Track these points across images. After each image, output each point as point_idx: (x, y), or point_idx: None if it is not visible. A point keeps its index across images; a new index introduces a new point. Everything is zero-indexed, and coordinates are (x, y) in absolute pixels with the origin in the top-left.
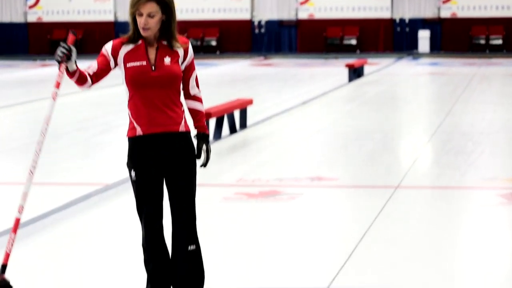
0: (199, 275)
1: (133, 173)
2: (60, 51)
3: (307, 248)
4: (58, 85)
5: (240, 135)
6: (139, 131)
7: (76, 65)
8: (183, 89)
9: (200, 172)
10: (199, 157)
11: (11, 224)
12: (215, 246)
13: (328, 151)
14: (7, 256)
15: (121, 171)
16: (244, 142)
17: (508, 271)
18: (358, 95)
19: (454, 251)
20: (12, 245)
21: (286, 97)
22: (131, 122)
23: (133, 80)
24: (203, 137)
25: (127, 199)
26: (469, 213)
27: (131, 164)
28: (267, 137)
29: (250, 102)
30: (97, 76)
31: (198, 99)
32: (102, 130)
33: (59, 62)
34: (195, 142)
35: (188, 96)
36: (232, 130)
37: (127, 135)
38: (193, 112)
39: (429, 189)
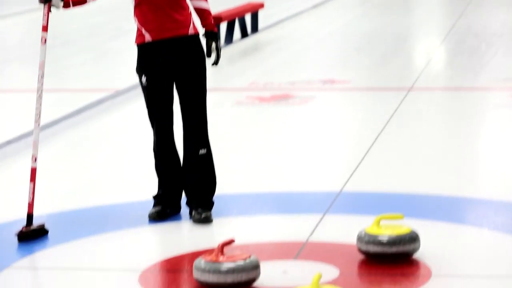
0: (211, 179)
1: (143, 79)
2: None
3: (320, 152)
4: (45, 28)
5: (252, 39)
6: (147, 38)
7: None
8: None
9: (211, 76)
10: (209, 55)
11: (27, 129)
12: (227, 150)
13: (340, 53)
14: (31, 205)
15: (132, 77)
16: (255, 46)
17: None
18: None
19: (468, 152)
20: (33, 194)
21: (298, 0)
22: (138, 29)
23: None
24: (211, 35)
25: (139, 104)
26: (483, 114)
27: (141, 70)
28: (278, 40)
29: (261, 5)
30: None
31: None
32: (113, 35)
33: (44, 3)
34: (204, 42)
35: None
36: (244, 34)
37: (135, 42)
38: (199, 12)
39: (442, 91)
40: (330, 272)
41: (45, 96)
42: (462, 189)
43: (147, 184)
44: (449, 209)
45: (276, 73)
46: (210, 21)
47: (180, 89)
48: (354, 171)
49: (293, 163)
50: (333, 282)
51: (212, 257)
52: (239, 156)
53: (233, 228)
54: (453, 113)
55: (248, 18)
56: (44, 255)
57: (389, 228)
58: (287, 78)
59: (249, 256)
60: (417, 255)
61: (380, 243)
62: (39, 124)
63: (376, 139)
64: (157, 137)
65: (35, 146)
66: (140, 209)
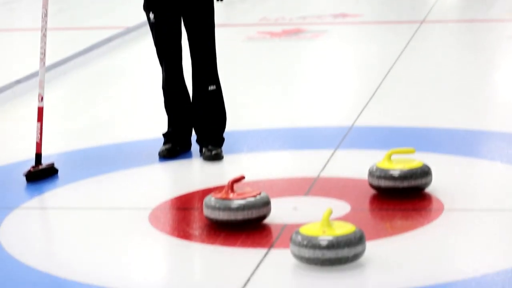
0: (221, 116)
1: (151, 16)
2: None
3: (331, 86)
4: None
5: None
6: None
7: None
8: None
9: (222, 12)
10: None
11: (36, 68)
12: (238, 86)
13: None
14: (39, 145)
15: (142, 14)
16: None
17: None
18: None
19: (481, 85)
20: (41, 133)
21: None
22: None
23: None
24: None
25: (149, 42)
26: (496, 45)
27: (148, 7)
28: None
29: None
30: None
31: None
32: None
33: None
34: None
35: None
36: None
37: None
38: None
39: (455, 23)
40: (341, 207)
41: (56, 34)
42: (475, 122)
43: (157, 122)
44: (461, 142)
45: (287, 8)
46: None
47: (188, 25)
48: (366, 105)
49: (304, 98)
50: (344, 217)
51: (222, 194)
52: (250, 92)
53: (243, 164)
54: (466, 46)
55: None
56: (53, 195)
57: (400, 162)
58: (298, 12)
59: (260, 193)
60: (429, 189)
61: (391, 177)
62: (44, 63)
63: (388, 72)
64: (166, 74)
65: (41, 85)
66: (150, 147)
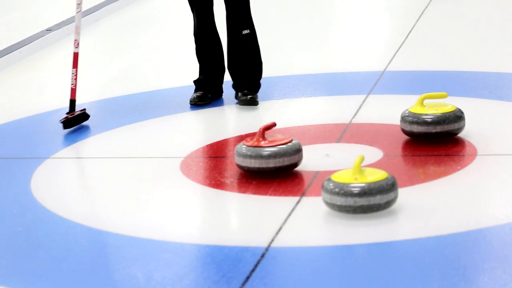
0: (257, 61)
1: None
2: None
3: (363, 31)
4: None
5: None
6: None
7: None
8: None
9: None
10: None
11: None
12: (273, 32)
13: None
14: (73, 91)
15: None
16: None
17: None
18: None
19: None
20: (76, 79)
21: None
22: None
23: None
24: None
25: None
26: None
27: None
28: None
29: None
30: None
31: None
32: None
33: None
34: None
35: None
36: None
37: None
38: None
39: None
40: (374, 154)
41: None
42: (509, 65)
43: (189, 70)
44: (494, 85)
45: None
46: None
47: None
48: (398, 50)
49: (336, 44)
50: (377, 164)
51: (253, 142)
52: (281, 37)
53: (274, 111)
54: None
55: None
56: (84, 144)
57: (433, 107)
58: None
59: (291, 140)
60: (462, 134)
61: (424, 122)
62: (80, 10)
63: (420, 16)
64: (197, 21)
65: (77, 31)
66: (181, 95)
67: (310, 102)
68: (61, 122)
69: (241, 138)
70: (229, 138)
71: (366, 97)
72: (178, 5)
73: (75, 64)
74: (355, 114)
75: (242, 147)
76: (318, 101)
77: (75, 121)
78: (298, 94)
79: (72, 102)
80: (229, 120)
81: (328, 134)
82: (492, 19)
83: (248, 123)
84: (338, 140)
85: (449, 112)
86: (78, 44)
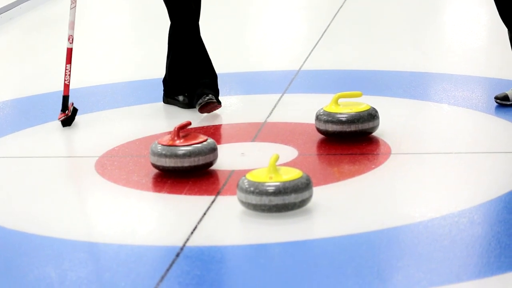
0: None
1: None
2: None
3: (278, 30)
4: None
5: None
6: None
7: None
8: None
9: None
10: None
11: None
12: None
13: None
14: (67, 87)
15: None
16: None
17: (483, 42)
18: None
19: (428, 26)
20: (69, 76)
21: None
22: None
23: None
24: None
25: None
26: None
27: None
28: None
29: None
30: None
31: None
32: None
33: None
34: None
35: None
36: None
37: None
38: None
39: None
40: (289, 153)
41: None
42: (422, 64)
43: (95, 70)
44: (408, 84)
45: None
46: None
47: None
48: (313, 48)
49: (252, 42)
50: (292, 163)
51: (168, 140)
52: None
53: (191, 111)
54: None
55: None
56: None
57: (347, 106)
58: None
59: (206, 139)
60: (376, 133)
61: (338, 121)
62: (75, 6)
63: (335, 15)
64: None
65: (71, 26)
66: (93, 95)
67: (225, 101)
68: (60, 121)
69: (155, 137)
70: (144, 137)
71: (281, 96)
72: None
73: (68, 60)
74: (270, 113)
75: (157, 146)
76: (234, 100)
77: (72, 117)
78: None
79: (65, 98)
80: (144, 120)
81: (243, 133)
82: (406, 19)
83: (164, 123)
84: (254, 139)
85: (363, 111)
86: (72, 39)
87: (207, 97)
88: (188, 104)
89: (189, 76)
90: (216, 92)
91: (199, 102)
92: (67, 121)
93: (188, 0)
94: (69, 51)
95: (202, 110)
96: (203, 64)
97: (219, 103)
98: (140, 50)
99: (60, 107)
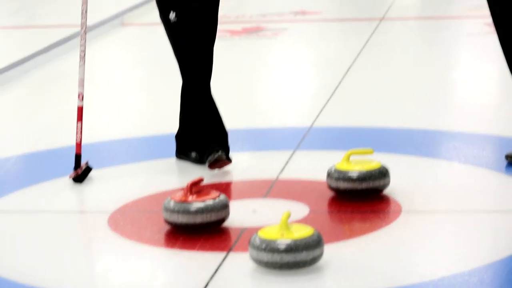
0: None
1: (172, 15)
2: None
3: (291, 86)
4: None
5: None
6: None
7: None
8: None
9: None
10: None
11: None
12: None
13: None
14: (78, 146)
15: (105, 11)
16: None
17: (493, 99)
18: None
19: (440, 83)
20: (81, 133)
21: None
22: None
23: None
24: None
25: (111, 39)
26: (456, 43)
27: (167, 6)
28: None
29: None
30: None
31: None
32: None
33: None
34: None
35: None
36: None
37: None
38: None
39: (415, 20)
40: (300, 210)
41: (17, 33)
42: (433, 121)
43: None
44: (419, 142)
45: (247, 5)
46: None
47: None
48: (325, 105)
49: (264, 98)
50: (303, 220)
51: (181, 197)
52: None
53: (202, 166)
54: (426, 43)
55: None
56: (14, 197)
57: (359, 163)
58: (258, 10)
59: (219, 196)
60: (387, 191)
61: (350, 179)
62: (84, 61)
63: (347, 71)
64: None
65: (81, 83)
66: (106, 150)
67: (237, 157)
68: (72, 179)
69: (169, 193)
70: (158, 193)
71: (293, 153)
72: (112, 52)
73: (79, 118)
74: (282, 170)
75: (170, 202)
76: (245, 156)
77: (84, 175)
78: None
79: (78, 157)
80: (156, 175)
81: (255, 189)
82: (417, 75)
83: (176, 179)
84: (265, 195)
85: (374, 169)
86: (82, 97)
87: (217, 154)
88: (199, 160)
89: (200, 133)
90: (226, 149)
91: (209, 158)
92: (78, 179)
93: (201, 59)
94: (80, 109)
95: (212, 166)
96: (214, 121)
97: (229, 159)
98: (153, 105)
99: (64, 163)
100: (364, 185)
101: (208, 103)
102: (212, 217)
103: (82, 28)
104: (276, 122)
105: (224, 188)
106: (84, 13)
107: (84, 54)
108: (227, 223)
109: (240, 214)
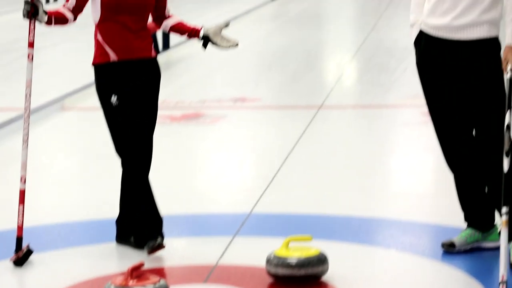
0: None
1: (113, 98)
2: (25, 9)
3: (229, 172)
4: (31, 44)
5: (163, 56)
6: (112, 57)
7: (47, 13)
8: (159, 14)
9: None
10: (231, 44)
11: None
12: None
13: (251, 71)
14: (20, 229)
15: (46, 95)
16: (167, 64)
17: (429, 188)
18: (282, 13)
19: (377, 172)
20: (22, 216)
21: (210, 16)
22: (100, 48)
23: (111, 4)
24: (208, 32)
25: (53, 123)
26: (392, 132)
27: (108, 90)
28: (190, 58)
29: None
30: (79, 8)
31: (172, 15)
32: (24, 53)
33: (30, 18)
34: (209, 44)
35: (165, 17)
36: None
37: (94, 62)
38: (181, 25)
39: (352, 109)
40: None
41: None
42: (371, 209)
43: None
44: (357, 229)
45: (187, 92)
46: (193, 26)
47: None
48: (264, 191)
49: (202, 184)
50: None
51: (121, 281)
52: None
53: (141, 251)
54: (363, 132)
55: (159, 35)
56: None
57: (298, 250)
58: (198, 96)
59: (159, 281)
60: (325, 278)
61: (288, 265)
62: (27, 145)
63: (286, 158)
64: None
65: (24, 167)
66: (47, 234)
67: (177, 243)
68: (13, 262)
69: (109, 277)
70: (97, 278)
71: (232, 239)
72: (52, 137)
73: (21, 201)
74: (221, 256)
75: (111, 286)
76: (185, 241)
77: (25, 258)
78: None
79: (19, 240)
80: (95, 260)
81: (194, 275)
82: (355, 163)
83: (115, 263)
84: (205, 280)
85: (313, 255)
86: (25, 180)
87: (157, 242)
88: (138, 245)
89: (137, 219)
90: (162, 235)
91: (150, 245)
92: (19, 262)
93: (140, 145)
94: (22, 192)
95: (150, 252)
96: (151, 208)
97: (162, 245)
98: (95, 189)
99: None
100: (303, 272)
101: (146, 190)
102: None
103: (25, 112)
104: (215, 209)
105: (164, 273)
106: (28, 96)
107: (27, 138)
108: None
109: None
